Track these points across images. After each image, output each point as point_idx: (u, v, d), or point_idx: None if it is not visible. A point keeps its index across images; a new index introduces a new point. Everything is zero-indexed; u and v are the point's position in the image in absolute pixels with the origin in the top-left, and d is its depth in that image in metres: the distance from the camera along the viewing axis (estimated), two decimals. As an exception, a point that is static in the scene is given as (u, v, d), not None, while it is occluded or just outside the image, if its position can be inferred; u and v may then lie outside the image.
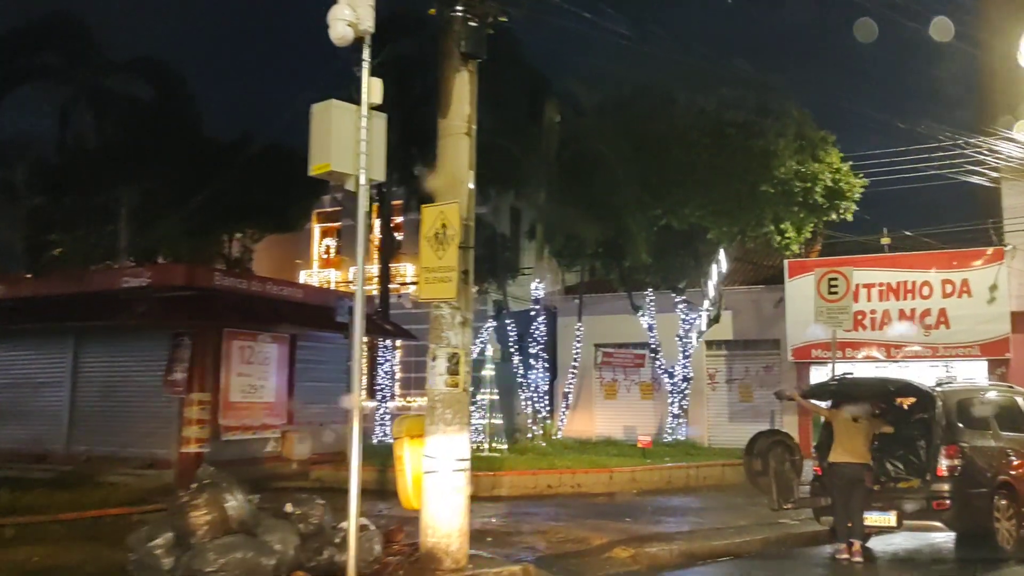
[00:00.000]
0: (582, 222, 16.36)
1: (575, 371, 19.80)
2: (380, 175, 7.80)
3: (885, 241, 21.65)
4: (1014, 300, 20.17)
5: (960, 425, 9.73)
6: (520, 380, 17.94)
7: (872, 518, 9.64)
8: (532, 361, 18.41)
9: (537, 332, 17.94)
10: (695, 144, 16.27)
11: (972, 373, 20.79)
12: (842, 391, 10.18)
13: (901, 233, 21.50)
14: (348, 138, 7.60)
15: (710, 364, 23.54)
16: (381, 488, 12.00)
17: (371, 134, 7.67)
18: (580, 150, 15.92)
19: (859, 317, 21.29)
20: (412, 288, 24.20)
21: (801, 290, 21.93)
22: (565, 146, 15.98)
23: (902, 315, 20.97)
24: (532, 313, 18.04)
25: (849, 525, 9.52)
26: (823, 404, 10.44)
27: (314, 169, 7.69)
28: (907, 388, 10.00)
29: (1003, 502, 9.64)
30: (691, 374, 19.24)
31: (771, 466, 10.10)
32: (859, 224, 22.99)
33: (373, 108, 7.71)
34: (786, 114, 16.79)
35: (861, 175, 17.09)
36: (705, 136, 16.26)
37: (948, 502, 9.33)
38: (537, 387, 17.89)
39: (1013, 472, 9.89)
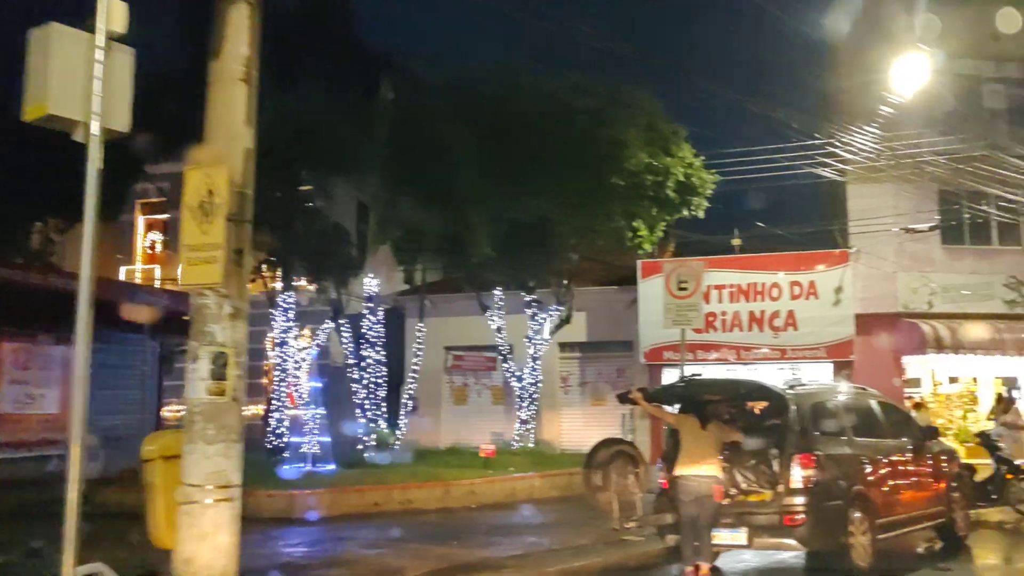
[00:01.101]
0: (421, 212, 14.82)
1: (415, 375, 18.22)
2: (122, 124, 6.02)
3: (736, 242, 21.19)
4: (858, 302, 20.06)
5: (815, 432, 8.78)
6: (358, 387, 16.20)
7: (721, 536, 8.55)
8: (374, 366, 16.71)
9: (374, 334, 16.25)
10: (544, 131, 15.04)
11: (818, 375, 20.65)
12: (689, 394, 9.06)
13: (752, 234, 21.08)
14: (75, 74, 5.81)
15: (563, 367, 22.51)
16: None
17: (110, 71, 5.90)
18: (419, 133, 14.39)
19: (710, 319, 20.72)
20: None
21: (654, 291, 21.04)
22: (402, 128, 14.41)
23: (752, 317, 20.54)
24: (369, 313, 16.33)
25: (696, 544, 8.39)
26: (669, 409, 9.30)
27: (28, 113, 5.86)
28: (759, 391, 8.97)
29: (858, 515, 8.73)
30: (540, 378, 18.03)
31: (612, 480, 8.87)
32: (712, 225, 22.56)
33: (116, 40, 5.96)
34: (637, 104, 15.86)
35: (714, 172, 16.38)
36: (554, 123, 15.07)
37: (801, 517, 8.32)
38: (376, 394, 16.21)
39: (868, 482, 9.02)
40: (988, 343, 19.59)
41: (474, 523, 11.93)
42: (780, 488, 8.44)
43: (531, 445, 17.59)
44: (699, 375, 9.52)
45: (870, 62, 17.61)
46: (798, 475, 8.39)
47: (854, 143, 17.64)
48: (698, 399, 8.84)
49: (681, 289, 12.06)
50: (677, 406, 9.25)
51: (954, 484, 10.68)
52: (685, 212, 16.30)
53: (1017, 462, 13.97)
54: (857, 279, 20.06)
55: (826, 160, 17.81)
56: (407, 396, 17.69)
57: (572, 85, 15.53)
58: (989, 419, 21.18)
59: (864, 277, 20.07)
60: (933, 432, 10.44)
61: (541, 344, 17.86)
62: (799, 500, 8.35)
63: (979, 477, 13.79)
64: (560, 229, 15.98)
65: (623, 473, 8.97)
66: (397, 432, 17.13)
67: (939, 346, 19.35)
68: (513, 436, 17.71)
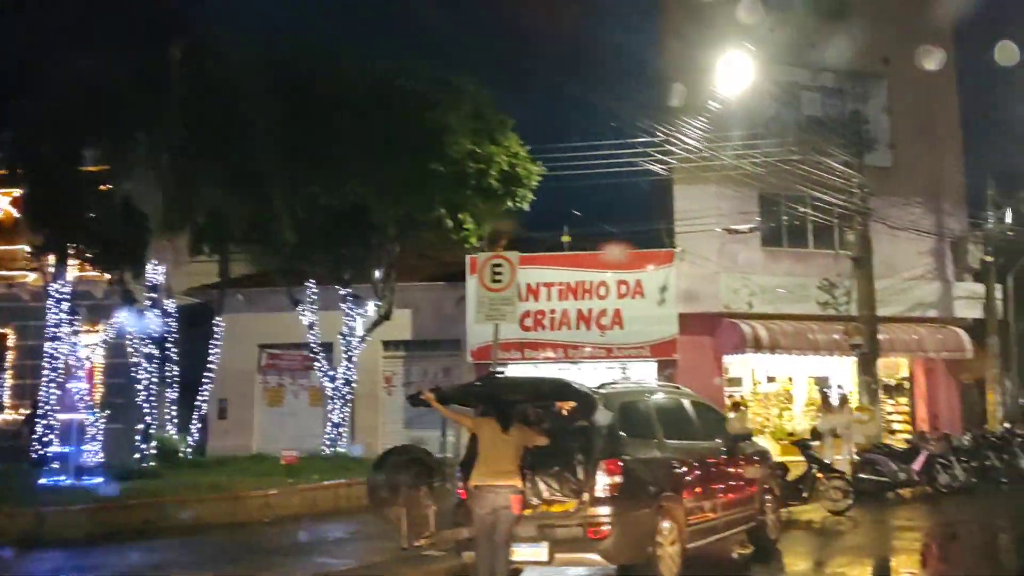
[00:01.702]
0: (222, 195, 13.23)
1: (216, 375, 16.48)
2: None
3: (565, 239, 20.66)
4: (682, 302, 19.96)
5: (623, 434, 8.01)
6: (145, 388, 14.33)
7: (520, 552, 7.62)
8: (165, 365, 14.88)
9: (164, 329, 14.43)
10: (361, 112, 13.80)
11: (648, 375, 20.44)
12: (489, 394, 8.09)
13: (582, 231, 20.60)
14: None
15: (387, 366, 21.25)
16: None
17: None
18: (219, 106, 12.82)
19: (539, 317, 20.15)
20: (31, 276, 19.45)
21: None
22: (200, 99, 12.79)
23: (580, 315, 20.06)
24: (155, 306, 14.50)
25: (491, 562, 7.42)
26: (462, 410, 8.30)
27: None
28: (565, 390, 8.10)
29: (667, 524, 8.04)
30: (354, 377, 16.71)
31: (402, 492, 7.77)
32: (543, 222, 21.97)
33: None
34: (463, 90, 14.88)
35: (539, 163, 15.64)
36: (373, 103, 13.85)
37: (606, 528, 7.52)
38: (165, 397, 14.38)
39: (679, 488, 8.35)
40: (803, 343, 19.97)
41: (262, 540, 10.56)
42: (585, 497, 7.61)
43: (342, 449, 16.23)
44: (501, 372, 8.57)
45: (698, 60, 17.51)
46: (603, 482, 7.58)
47: (681, 141, 17.42)
48: (500, 400, 7.88)
49: (495, 282, 11.13)
50: (481, 408, 8.25)
51: (767, 486, 10.29)
52: (510, 203, 15.47)
53: (827, 460, 13.99)
54: (681, 279, 19.97)
55: (655, 157, 17.50)
56: (203, 399, 15.90)
57: (396, 67, 14.37)
58: (816, 416, 21.77)
59: (688, 277, 20.00)
60: (746, 433, 9.99)
61: (358, 342, 16.55)
62: (604, 510, 7.55)
63: (791, 476, 13.72)
64: (378, 218, 14.76)
65: (415, 484, 7.88)
66: (189, 438, 15.35)
67: (757, 345, 19.53)
68: (323, 440, 16.30)
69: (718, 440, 9.62)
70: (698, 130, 17.41)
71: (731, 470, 9.57)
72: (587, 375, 20.09)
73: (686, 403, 9.37)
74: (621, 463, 7.70)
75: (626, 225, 20.08)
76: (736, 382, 23.27)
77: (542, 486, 7.86)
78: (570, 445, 7.88)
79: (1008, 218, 21.53)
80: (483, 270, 11.40)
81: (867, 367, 18.09)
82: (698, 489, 8.70)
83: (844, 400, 20.62)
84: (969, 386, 24.03)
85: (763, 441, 20.78)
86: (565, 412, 8.40)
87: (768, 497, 10.27)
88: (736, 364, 23.08)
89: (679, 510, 8.23)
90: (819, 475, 13.53)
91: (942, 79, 22.84)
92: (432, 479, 8.02)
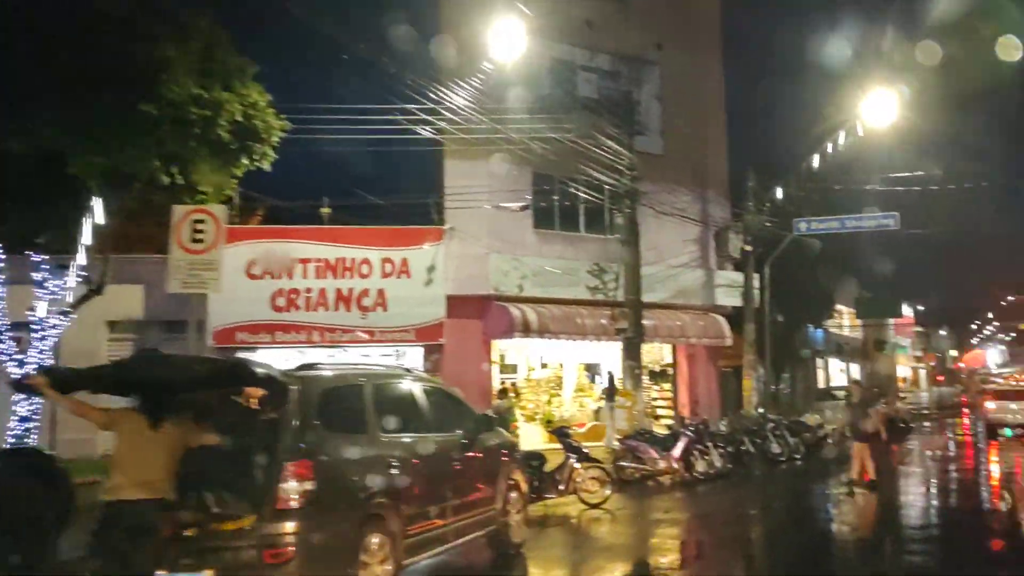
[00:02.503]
0: None
1: None
2: None
3: (325, 212, 18.60)
4: (450, 283, 18.52)
5: (321, 428, 6.24)
6: None
7: (176, 584, 5.67)
8: None
9: None
10: (50, 38, 11.05)
11: (417, 361, 18.84)
12: (134, 379, 6.04)
13: (344, 203, 18.61)
14: None
15: (113, 350, 18.14)
16: None
17: None
18: None
19: (293, 296, 17.94)
20: None
21: (229, 262, 17.76)
22: None
23: (340, 295, 18.07)
24: None
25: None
26: (97, 399, 6.19)
27: None
28: (243, 373, 6.17)
29: (376, 539, 6.37)
30: (49, 362, 13.72)
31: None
32: (299, 191, 19.74)
33: None
34: (194, 26, 12.45)
35: (284, 118, 13.48)
36: (68, 29, 11.13)
37: (291, 550, 5.73)
38: None
39: (395, 493, 6.69)
40: (572, 328, 19.13)
41: None
42: (265, 511, 5.77)
43: (31, 444, 13.22)
44: (156, 351, 6.53)
45: (473, 27, 15.98)
46: (288, 490, 5.79)
47: (452, 110, 15.83)
48: (152, 385, 5.85)
49: (195, 242, 8.98)
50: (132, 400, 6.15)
51: (512, 482, 8.91)
52: (246, 161, 13.19)
53: (586, 449, 12.99)
54: (450, 259, 18.52)
55: (424, 125, 15.78)
56: None
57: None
58: (599, 400, 21.15)
59: (457, 257, 18.58)
60: (487, 422, 8.53)
61: (57, 321, 13.59)
62: (288, 526, 5.76)
63: (549, 467, 12.59)
64: (78, 169, 12.00)
65: (29, 499, 5.69)
66: None
67: (526, 330, 18.43)
68: (4, 437, 13.23)
69: (456, 431, 8.10)
70: (471, 101, 15.92)
71: (469, 467, 8.07)
72: (349, 360, 18.22)
73: (417, 389, 7.73)
74: (314, 465, 5.94)
75: (393, 199, 18.34)
76: (511, 368, 22.32)
77: (211, 498, 5.92)
78: (251, 444, 6.00)
79: (767, 209, 21.92)
80: (181, 227, 9.19)
81: (632, 352, 17.49)
82: (422, 492, 7.10)
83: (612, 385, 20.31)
84: (727, 373, 24.51)
85: (534, 429, 20.05)
86: (254, 403, 6.49)
87: (514, 495, 8.90)
88: (512, 350, 22.10)
89: (394, 520, 6.59)
90: (576, 466, 12.47)
91: (710, 71, 23.00)
92: (57, 491, 5.85)
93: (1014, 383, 40.27)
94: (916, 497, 14.54)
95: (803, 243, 23.64)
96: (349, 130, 15.44)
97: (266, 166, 13.34)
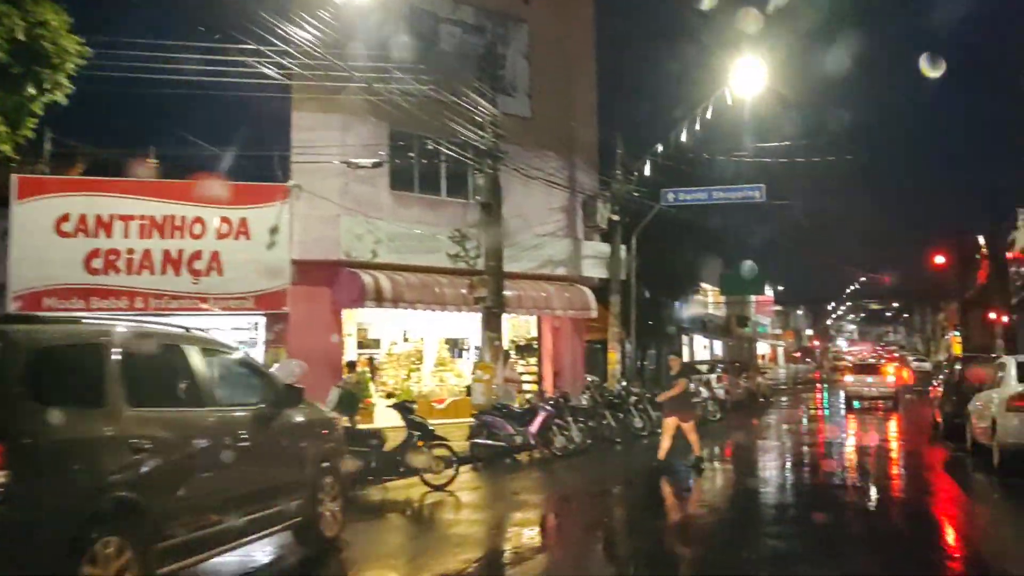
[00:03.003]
0: None
1: None
2: None
3: (151, 163, 16.43)
4: (296, 247, 16.73)
5: (28, 399, 4.60)
6: None
7: None
8: None
9: None
10: None
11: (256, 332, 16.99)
12: None
13: (175, 154, 16.49)
14: None
15: None
16: None
17: None
18: None
19: (112, 257, 15.72)
20: None
21: (36, 217, 15.46)
22: None
23: (168, 257, 15.98)
24: None
25: None
26: None
27: None
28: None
29: (111, 545, 4.78)
30: None
31: None
32: (122, 139, 17.47)
33: None
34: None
35: (82, 41, 11.37)
36: None
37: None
38: None
39: (144, 484, 5.09)
40: (430, 297, 17.72)
41: None
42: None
43: None
44: None
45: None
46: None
47: (300, 52, 13.93)
48: None
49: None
50: None
51: (326, 465, 7.43)
52: (33, 91, 11.05)
53: (431, 426, 11.64)
54: (296, 220, 16.73)
55: (268, 67, 13.82)
56: None
57: None
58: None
59: (304, 218, 16.81)
60: (293, 395, 7.00)
61: None
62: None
63: (390, 446, 11.20)
64: None
65: None
66: None
67: (379, 298, 16.88)
68: None
69: (252, 407, 6.56)
70: (322, 45, 14.08)
71: (265, 449, 6.55)
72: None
73: (194, 353, 6.10)
74: (9, 448, 4.31)
75: (232, 151, 16.33)
76: (375, 343, 20.74)
77: None
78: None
79: (635, 178, 21.14)
80: None
81: (492, 322, 16.21)
82: (189, 481, 5.54)
83: (506, 356, 19.26)
84: (595, 347, 23.76)
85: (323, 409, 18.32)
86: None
87: (328, 480, 7.42)
88: (376, 323, 20.51)
89: (140, 518, 5.01)
90: (420, 444, 11.12)
91: (581, 33, 21.94)
92: None
93: (870, 359, 41.84)
94: (772, 472, 14.03)
95: (671, 216, 23.07)
96: (181, 69, 13.37)
97: (60, 98, 11.17)
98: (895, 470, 13.69)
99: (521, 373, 21.93)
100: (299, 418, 7.14)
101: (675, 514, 10.17)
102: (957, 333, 51.52)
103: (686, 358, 37.99)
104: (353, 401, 15.25)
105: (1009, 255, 27.24)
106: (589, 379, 19.58)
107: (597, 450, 15.07)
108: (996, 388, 11.77)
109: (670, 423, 12.68)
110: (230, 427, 6.14)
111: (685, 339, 38.86)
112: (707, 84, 20.64)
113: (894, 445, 17.51)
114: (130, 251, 15.73)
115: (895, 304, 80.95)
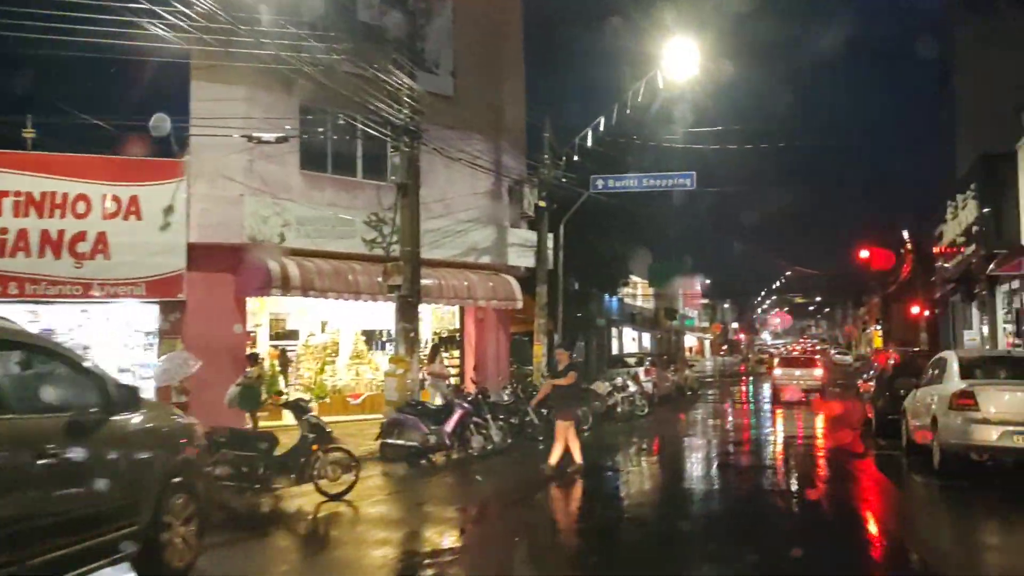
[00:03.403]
0: None
1: None
2: None
3: (28, 134, 14.62)
4: (195, 229, 15.15)
5: None
6: None
7: None
8: None
9: None
10: None
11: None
12: None
13: (55, 124, 14.70)
14: None
15: None
16: None
17: None
18: None
19: (-19, 238, 13.93)
20: None
21: None
22: None
23: (46, 238, 14.24)
24: None
25: None
26: None
27: None
28: None
29: None
30: None
31: None
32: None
33: None
34: None
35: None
36: None
37: None
38: None
39: None
40: (342, 285, 16.30)
41: None
42: None
43: None
44: None
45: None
46: None
47: (201, 13, 12.33)
48: None
49: None
50: None
51: (177, 481, 6.07)
52: None
53: (329, 429, 10.30)
54: (195, 200, 15.15)
55: (162, 29, 12.18)
56: None
57: None
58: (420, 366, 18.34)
59: (204, 198, 15.24)
60: (131, 398, 5.65)
61: None
62: None
63: (281, 450, 9.84)
64: None
65: None
66: None
67: (286, 286, 15.38)
68: None
69: (68, 413, 5.17)
70: (225, 3, 12.50)
71: (85, 464, 5.18)
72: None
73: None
74: None
75: (121, 121, 14.65)
76: (293, 335, 19.25)
77: None
78: None
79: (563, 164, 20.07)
80: None
81: (407, 312, 14.89)
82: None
83: (437, 350, 17.99)
84: (521, 340, 22.67)
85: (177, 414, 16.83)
86: None
87: (179, 500, 6.07)
88: (294, 313, 19.03)
89: None
90: (315, 448, 9.80)
91: (508, 12, 20.77)
92: None
93: (796, 352, 41.85)
94: (698, 473, 13.14)
95: (600, 205, 22.10)
96: (64, 29, 11.65)
97: None
98: (828, 472, 12.90)
99: (446, 367, 20.72)
100: (137, 425, 5.77)
101: (592, 522, 9.09)
102: (879, 327, 52.26)
103: (615, 350, 37.29)
104: (254, 397, 13.84)
105: (936, 249, 27.11)
106: (513, 370, 18.54)
107: (518, 450, 13.97)
108: (936, 385, 11.02)
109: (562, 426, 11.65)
110: (29, 439, 4.76)
111: (615, 331, 38.14)
112: (639, 66, 19.75)
113: (823, 444, 16.84)
114: (3, 231, 13.95)
115: (818, 298, 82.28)
